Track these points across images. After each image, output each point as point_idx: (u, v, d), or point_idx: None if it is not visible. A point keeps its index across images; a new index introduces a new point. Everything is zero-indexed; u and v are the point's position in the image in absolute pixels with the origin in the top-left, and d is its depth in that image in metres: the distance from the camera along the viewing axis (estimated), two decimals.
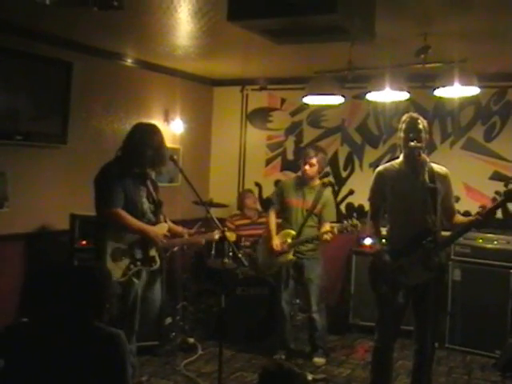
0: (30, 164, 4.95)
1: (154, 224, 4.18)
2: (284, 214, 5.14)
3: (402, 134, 3.84)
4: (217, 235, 4.27)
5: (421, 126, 3.79)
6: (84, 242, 4.96)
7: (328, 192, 5.15)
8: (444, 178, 3.87)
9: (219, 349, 3.85)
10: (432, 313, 3.73)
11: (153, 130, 4.20)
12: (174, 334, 5.25)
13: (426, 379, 3.90)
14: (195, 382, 4.57)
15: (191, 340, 5.28)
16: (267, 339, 5.31)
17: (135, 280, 4.09)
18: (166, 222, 4.31)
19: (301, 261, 5.03)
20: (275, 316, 5.23)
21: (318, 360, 5.07)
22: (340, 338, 5.75)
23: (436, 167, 3.89)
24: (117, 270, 3.96)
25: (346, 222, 4.80)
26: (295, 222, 5.04)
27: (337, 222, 5.05)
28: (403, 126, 3.83)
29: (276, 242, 5.03)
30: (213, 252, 5.80)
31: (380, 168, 4.01)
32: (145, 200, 4.17)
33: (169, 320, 5.22)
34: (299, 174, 5.16)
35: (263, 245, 5.30)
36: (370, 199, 4.07)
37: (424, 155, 3.84)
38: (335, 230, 4.83)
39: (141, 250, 4.12)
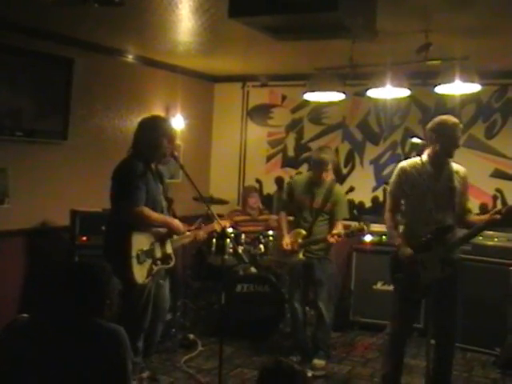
0: (31, 160, 4.95)
1: None
2: (295, 212, 5.06)
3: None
4: (217, 225, 4.19)
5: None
6: (84, 238, 4.97)
7: (338, 188, 5.08)
8: (462, 178, 3.99)
9: (220, 345, 3.85)
10: (449, 310, 3.94)
11: (162, 120, 4.24)
12: (174, 330, 5.27)
13: (446, 379, 4.01)
14: (195, 378, 4.58)
15: (191, 336, 5.28)
16: (270, 338, 5.31)
17: (160, 281, 4.06)
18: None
19: (311, 260, 4.91)
20: (279, 315, 5.22)
21: (318, 362, 4.85)
22: (340, 335, 5.74)
23: (455, 166, 4.00)
24: (143, 271, 3.87)
25: (352, 225, 4.77)
26: (305, 221, 4.94)
27: (349, 219, 5.09)
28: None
29: (286, 241, 4.93)
30: (213, 248, 5.80)
31: (403, 163, 4.05)
32: (162, 197, 4.11)
33: (169, 316, 5.22)
34: (311, 175, 5.05)
35: (276, 243, 5.28)
36: (391, 192, 4.12)
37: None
38: (342, 233, 4.74)
39: (160, 248, 4.05)
